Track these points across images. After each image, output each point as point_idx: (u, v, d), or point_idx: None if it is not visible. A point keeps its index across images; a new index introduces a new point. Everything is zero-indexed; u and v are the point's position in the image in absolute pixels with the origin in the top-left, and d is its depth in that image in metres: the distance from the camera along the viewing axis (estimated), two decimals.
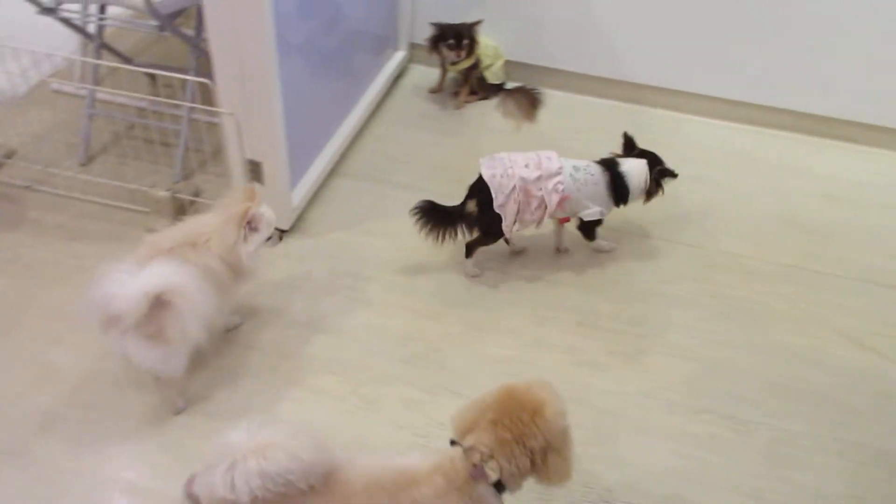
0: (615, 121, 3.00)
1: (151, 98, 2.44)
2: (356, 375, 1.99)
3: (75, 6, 2.44)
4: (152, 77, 2.85)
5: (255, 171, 2.20)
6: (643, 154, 2.30)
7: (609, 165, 2.25)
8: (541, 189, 2.12)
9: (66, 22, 2.44)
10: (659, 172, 2.27)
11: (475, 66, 2.98)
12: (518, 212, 2.13)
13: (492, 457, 1.29)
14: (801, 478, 1.83)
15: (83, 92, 2.66)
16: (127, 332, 1.60)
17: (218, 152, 2.64)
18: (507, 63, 3.07)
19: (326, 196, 2.54)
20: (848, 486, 1.83)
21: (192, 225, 1.81)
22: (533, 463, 1.32)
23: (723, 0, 2.77)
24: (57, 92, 2.89)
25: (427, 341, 2.09)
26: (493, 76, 3.04)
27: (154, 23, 2.27)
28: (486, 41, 2.98)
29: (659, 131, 2.96)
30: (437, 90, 3.11)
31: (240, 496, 1.15)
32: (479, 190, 2.13)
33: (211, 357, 1.95)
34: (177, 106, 2.49)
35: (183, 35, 2.38)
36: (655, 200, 2.34)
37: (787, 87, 2.91)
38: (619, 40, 2.98)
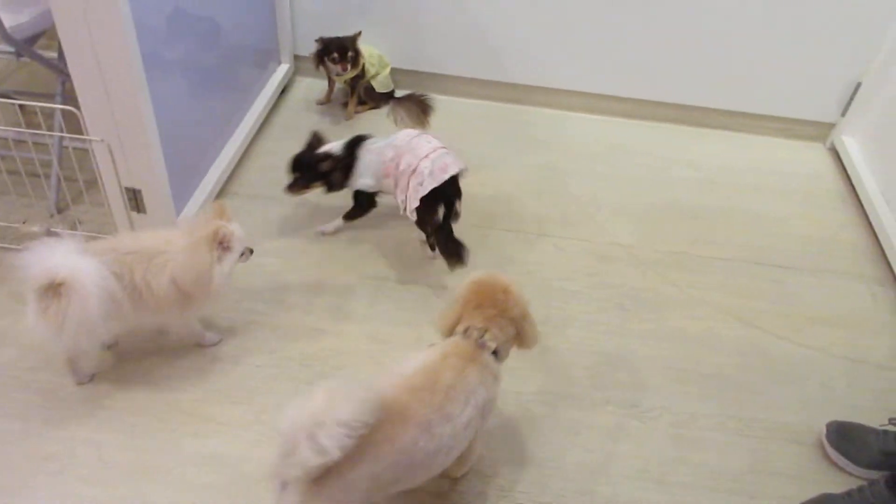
0: (501, 122, 3.07)
1: (14, 129, 2.28)
2: (262, 401, 1.93)
3: None
4: (20, 105, 2.67)
5: (135, 198, 2.10)
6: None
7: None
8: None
9: None
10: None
11: (361, 76, 2.96)
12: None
13: (487, 330, 1.56)
14: (705, 458, 1.91)
15: None
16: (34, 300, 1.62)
17: (94, 181, 2.50)
18: (394, 71, 3.06)
19: None
20: (750, 462, 1.91)
21: (155, 238, 1.76)
22: (516, 331, 1.60)
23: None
24: None
25: (328, 360, 2.05)
26: (380, 85, 3.02)
27: (10, 49, 2.13)
28: (371, 50, 2.96)
29: (543, 129, 3.04)
30: (325, 101, 3.06)
31: (333, 454, 1.23)
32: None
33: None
34: (44, 136, 2.34)
35: (44, 60, 2.24)
36: (548, 198, 2.38)
37: (663, 79, 3.04)
38: (497, 42, 3.02)
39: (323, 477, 1.29)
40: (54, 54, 2.33)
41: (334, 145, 2.34)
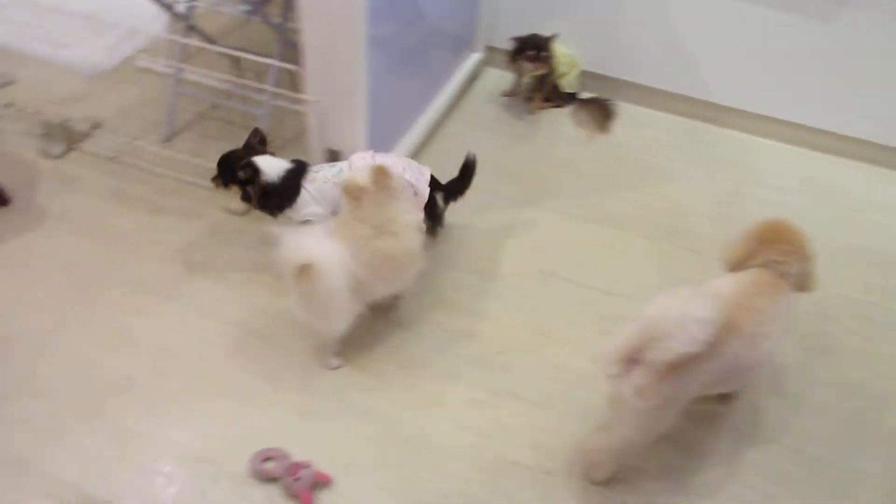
0: (688, 138, 2.99)
1: (237, 81, 2.49)
2: (424, 370, 2.01)
3: None
4: (236, 60, 2.91)
5: (333, 159, 2.23)
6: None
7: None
8: None
9: (158, 1, 2.51)
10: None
11: (550, 74, 2.98)
12: None
13: (786, 262, 1.71)
14: None
15: (169, 70, 2.73)
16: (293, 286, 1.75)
17: (295, 138, 2.69)
18: (583, 73, 3.06)
19: None
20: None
21: (377, 208, 1.85)
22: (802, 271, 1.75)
23: (809, 24, 2.72)
24: (143, 69, 2.97)
25: (490, 343, 2.10)
26: (567, 85, 3.03)
27: (244, 7, 2.32)
28: (563, 50, 2.97)
29: (731, 152, 2.92)
30: (510, 94, 3.11)
31: (698, 346, 1.42)
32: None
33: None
34: (260, 90, 2.53)
35: (270, 21, 2.43)
36: (724, 222, 2.29)
37: (872, 117, 2.84)
38: (699, 58, 2.95)
39: (674, 366, 1.47)
40: (277, 19, 2.52)
41: (274, 163, 2.05)
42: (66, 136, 2.56)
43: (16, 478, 1.71)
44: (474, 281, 2.29)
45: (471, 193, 2.59)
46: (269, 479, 1.72)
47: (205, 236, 2.33)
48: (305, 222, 2.05)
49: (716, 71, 2.95)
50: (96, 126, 2.64)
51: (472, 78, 3.14)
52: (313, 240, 1.74)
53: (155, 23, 2.84)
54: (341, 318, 1.86)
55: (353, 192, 1.87)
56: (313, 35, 1.97)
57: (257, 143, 2.10)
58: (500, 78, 3.17)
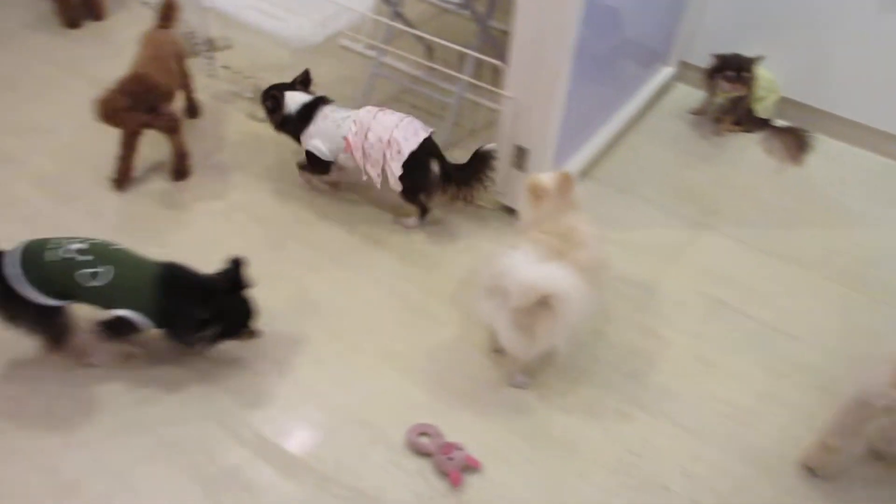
0: (889, 181, 2.78)
1: (433, 67, 2.57)
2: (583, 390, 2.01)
3: None
4: (430, 48, 3.02)
5: (519, 156, 2.27)
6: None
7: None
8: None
9: None
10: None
11: (745, 97, 2.87)
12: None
13: None
14: None
15: (369, 53, 2.87)
16: (506, 309, 1.71)
17: (477, 131, 2.76)
18: (782, 99, 2.92)
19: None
20: None
21: (556, 214, 1.86)
22: None
23: None
24: (345, 48, 3.14)
25: (652, 361, 2.07)
26: (762, 110, 2.91)
27: (456, 0, 2.40)
28: (765, 73, 2.84)
29: None
30: (699, 113, 3.02)
31: None
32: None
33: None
34: (452, 81, 2.61)
35: (478, 16, 2.50)
36: None
37: None
38: None
39: None
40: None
41: (296, 98, 2.38)
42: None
43: (209, 408, 1.88)
44: (637, 294, 2.26)
45: (642, 206, 2.56)
46: (423, 453, 1.79)
47: (388, 213, 2.45)
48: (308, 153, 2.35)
49: None
50: None
51: (662, 92, 3.08)
52: (548, 268, 1.69)
53: (362, 3, 2.99)
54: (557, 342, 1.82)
55: (535, 191, 1.90)
56: (524, 34, 2.01)
57: (300, 81, 2.46)
58: (690, 95, 3.08)
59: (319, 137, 2.33)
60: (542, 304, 1.65)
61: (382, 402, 1.92)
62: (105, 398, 1.87)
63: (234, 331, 1.86)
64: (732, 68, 2.75)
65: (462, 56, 2.47)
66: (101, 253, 1.77)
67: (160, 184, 2.51)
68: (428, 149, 2.25)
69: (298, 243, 2.33)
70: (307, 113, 2.35)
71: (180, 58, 2.59)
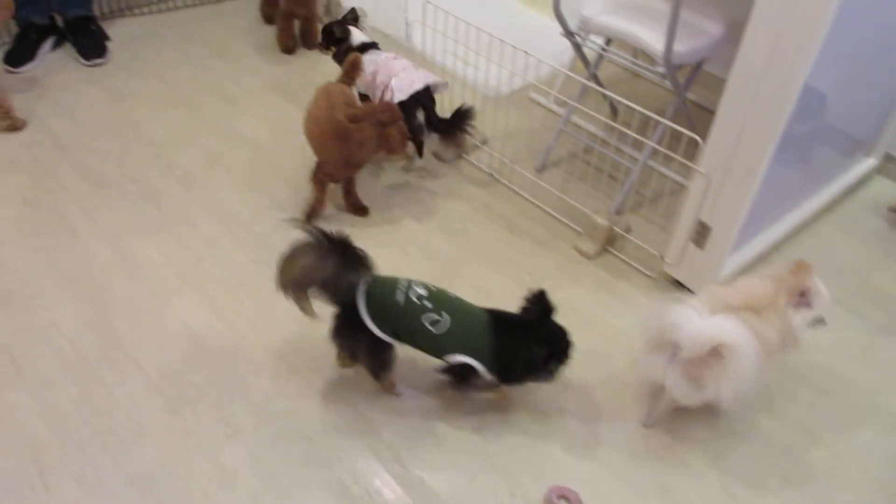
0: None
1: (620, 130, 2.57)
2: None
3: (594, 37, 2.68)
4: (614, 110, 3.03)
5: (700, 233, 2.21)
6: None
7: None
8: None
9: (577, 46, 2.70)
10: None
11: None
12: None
13: None
14: None
15: (556, 108, 2.93)
16: (675, 362, 1.74)
17: (655, 199, 2.73)
18: None
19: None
20: None
21: (747, 288, 1.85)
22: None
23: None
24: (532, 101, 3.22)
25: (815, 472, 1.92)
26: None
27: (659, 69, 2.40)
28: None
29: None
30: None
31: None
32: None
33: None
34: (637, 146, 2.60)
35: (678, 86, 2.48)
36: None
37: None
38: None
39: None
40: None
41: (358, 34, 2.80)
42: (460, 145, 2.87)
43: (356, 426, 1.96)
44: (812, 397, 2.11)
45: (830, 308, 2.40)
46: None
47: (551, 267, 2.46)
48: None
49: None
50: (484, 142, 2.92)
51: (859, 183, 2.90)
52: (720, 320, 1.71)
53: (556, 59, 3.06)
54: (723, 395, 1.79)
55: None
56: (731, 111, 1.97)
57: (351, 18, 2.84)
58: (891, 190, 2.88)
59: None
60: (713, 354, 1.68)
61: (526, 459, 1.91)
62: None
63: (564, 355, 1.89)
64: None
65: (648, 123, 2.46)
66: (440, 300, 1.84)
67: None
68: (417, 100, 2.57)
69: (462, 281, 2.38)
70: (363, 49, 2.74)
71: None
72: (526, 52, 2.54)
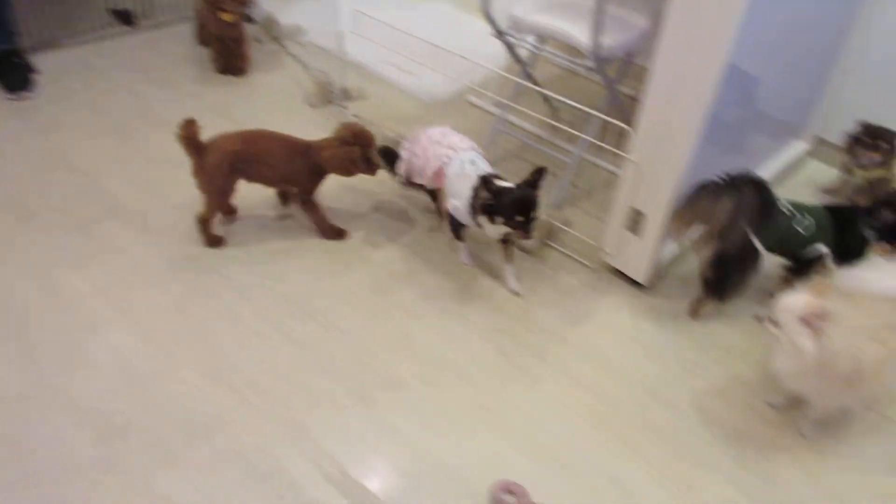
0: None
1: (556, 126, 2.59)
2: None
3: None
4: (553, 108, 3.05)
5: (635, 220, 2.23)
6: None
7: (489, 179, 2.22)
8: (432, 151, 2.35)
9: (509, 46, 2.71)
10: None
11: (885, 179, 2.69)
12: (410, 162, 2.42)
13: None
14: None
15: (494, 110, 2.93)
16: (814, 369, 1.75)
17: (591, 192, 2.74)
18: None
19: (690, 261, 2.47)
20: None
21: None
22: None
23: None
24: (471, 104, 3.23)
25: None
26: None
27: (588, 63, 2.43)
28: None
29: None
30: (832, 192, 2.87)
31: None
32: None
33: None
34: (573, 141, 2.62)
35: (608, 80, 2.51)
36: None
37: None
38: None
39: None
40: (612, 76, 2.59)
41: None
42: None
43: (293, 437, 1.92)
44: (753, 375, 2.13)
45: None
46: None
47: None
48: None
49: None
50: None
51: (793, 166, 2.96)
52: None
53: (492, 61, 3.08)
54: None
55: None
56: (656, 99, 2.00)
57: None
58: (823, 173, 2.94)
59: (453, 195, 2.45)
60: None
61: (473, 454, 1.90)
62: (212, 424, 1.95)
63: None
64: (873, 136, 2.59)
65: (586, 117, 2.48)
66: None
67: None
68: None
69: (407, 290, 2.36)
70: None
71: None
72: (461, 56, 2.54)
